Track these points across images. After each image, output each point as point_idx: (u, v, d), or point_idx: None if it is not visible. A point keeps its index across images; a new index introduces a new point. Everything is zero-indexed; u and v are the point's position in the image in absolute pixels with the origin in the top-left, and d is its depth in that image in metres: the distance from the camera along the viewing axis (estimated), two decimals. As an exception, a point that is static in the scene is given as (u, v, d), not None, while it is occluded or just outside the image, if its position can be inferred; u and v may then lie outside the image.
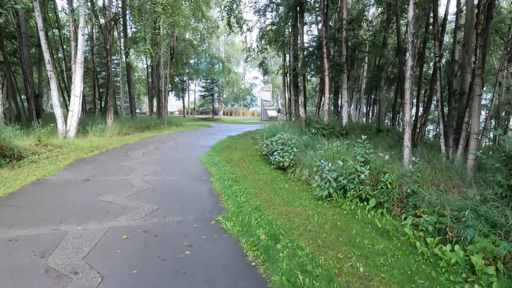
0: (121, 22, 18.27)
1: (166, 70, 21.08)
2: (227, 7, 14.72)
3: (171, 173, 6.59)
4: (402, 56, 11.81)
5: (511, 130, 16.08)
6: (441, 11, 11.89)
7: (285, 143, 8.00)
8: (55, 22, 18.37)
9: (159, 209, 4.36)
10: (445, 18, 9.85)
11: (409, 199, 4.81)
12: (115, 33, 19.28)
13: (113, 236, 3.47)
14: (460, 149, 7.60)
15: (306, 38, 15.03)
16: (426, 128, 16.94)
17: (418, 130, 11.02)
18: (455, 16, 10.36)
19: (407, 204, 4.87)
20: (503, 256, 3.15)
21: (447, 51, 15.17)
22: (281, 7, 14.63)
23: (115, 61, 23.68)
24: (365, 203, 5.01)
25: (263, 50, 16.09)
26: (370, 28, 17.20)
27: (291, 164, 7.35)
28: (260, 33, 15.82)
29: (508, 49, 12.63)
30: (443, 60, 12.46)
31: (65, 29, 19.46)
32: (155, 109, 23.85)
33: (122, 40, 18.35)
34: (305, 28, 15.63)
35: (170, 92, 35.30)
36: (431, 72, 19.98)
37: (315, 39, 15.18)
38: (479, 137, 7.51)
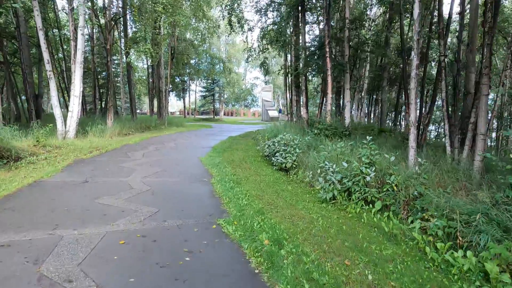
0: (122, 22, 18.15)
1: (166, 70, 20.98)
2: (228, 7, 14.59)
3: (171, 175, 6.46)
4: (405, 55, 11.66)
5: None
6: (445, 10, 11.73)
7: (287, 144, 7.86)
8: (55, 22, 18.28)
9: (158, 212, 4.23)
10: (449, 17, 9.69)
11: (416, 202, 4.67)
12: (116, 33, 19.18)
13: (110, 241, 3.33)
14: (466, 150, 7.44)
15: (307, 38, 14.91)
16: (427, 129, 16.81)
17: (421, 130, 10.86)
18: (458, 15, 10.24)
19: (413, 207, 4.73)
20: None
21: (448, 51, 15.02)
22: (282, 7, 14.50)
23: (116, 61, 23.59)
24: (370, 206, 4.87)
25: (264, 50, 15.96)
26: (372, 28, 17.05)
27: (294, 166, 7.21)
28: (261, 33, 15.69)
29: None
30: (446, 60, 12.29)
31: (65, 29, 19.38)
32: (155, 110, 23.73)
33: (123, 40, 18.23)
34: (307, 27, 15.49)
35: (170, 93, 35.24)
36: (434, 72, 19.85)
37: (316, 39, 15.05)
38: (486, 138, 7.36)
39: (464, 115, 9.56)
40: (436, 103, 13.74)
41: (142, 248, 3.20)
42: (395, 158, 5.48)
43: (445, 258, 3.30)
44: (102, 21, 17.60)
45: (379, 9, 18.20)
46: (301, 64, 13.64)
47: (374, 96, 21.41)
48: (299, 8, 13.05)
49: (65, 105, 20.11)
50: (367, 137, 5.56)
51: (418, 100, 12.89)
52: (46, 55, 10.53)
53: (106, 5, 15.67)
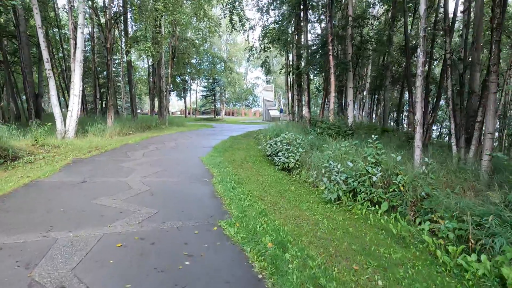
0: (122, 21, 18.03)
1: (167, 69, 20.84)
2: (230, 5, 14.45)
3: (171, 175, 6.31)
4: (409, 53, 11.49)
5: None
6: (449, 8, 11.56)
7: (289, 143, 7.70)
8: (55, 21, 18.18)
9: (157, 214, 4.08)
10: (454, 14, 9.53)
11: (424, 203, 4.51)
12: (116, 32, 19.06)
13: (106, 243, 3.19)
14: (472, 150, 7.29)
15: (309, 37, 14.75)
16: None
17: (426, 130, 10.70)
18: (462, 14, 10.08)
19: (421, 208, 4.57)
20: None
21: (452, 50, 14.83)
22: (284, 6, 14.35)
23: (117, 61, 23.49)
24: (376, 207, 4.71)
25: (266, 49, 15.81)
26: (375, 26, 16.88)
27: (297, 165, 7.05)
28: (263, 32, 15.54)
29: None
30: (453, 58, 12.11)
31: (66, 28, 19.28)
32: (156, 109, 23.62)
33: (123, 39, 18.11)
34: (308, 26, 15.33)
35: (171, 92, 35.14)
36: (435, 71, 19.64)
37: (318, 37, 14.90)
38: (494, 137, 7.21)
39: (469, 114, 9.40)
40: (440, 101, 13.56)
41: (140, 252, 3.05)
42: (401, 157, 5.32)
43: (458, 262, 3.14)
44: (103, 20, 17.49)
45: (381, 8, 18.04)
46: (303, 63, 13.48)
47: (376, 96, 21.24)
48: (301, 6, 12.90)
49: (65, 105, 19.98)
50: (373, 136, 5.39)
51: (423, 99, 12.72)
52: (45, 54, 10.41)
53: (106, 4, 15.55)
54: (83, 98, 19.14)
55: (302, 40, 13.84)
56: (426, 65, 11.84)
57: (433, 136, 23.41)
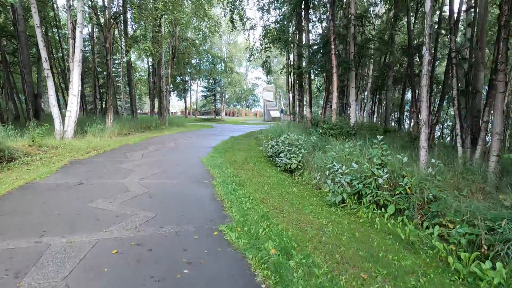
0: (122, 21, 17.90)
1: (167, 69, 20.70)
2: (230, 4, 14.31)
3: (171, 176, 6.16)
4: (412, 52, 11.33)
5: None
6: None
7: (291, 144, 7.54)
8: (54, 20, 18.06)
9: (155, 217, 3.92)
10: (458, 12, 9.37)
11: (431, 206, 4.35)
12: (116, 32, 18.93)
13: (101, 250, 3.03)
14: (478, 150, 7.12)
15: (310, 36, 14.59)
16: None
17: (430, 130, 10.53)
18: (464, 13, 9.92)
19: (428, 211, 4.41)
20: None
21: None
22: (285, 5, 14.20)
23: (116, 61, 23.36)
24: (382, 210, 4.55)
25: (267, 49, 15.66)
26: (377, 25, 16.72)
27: (299, 167, 6.89)
28: (264, 31, 15.40)
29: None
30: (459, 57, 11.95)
31: (65, 28, 19.13)
32: (156, 110, 23.48)
33: (123, 39, 17.98)
34: (310, 25, 15.18)
35: (171, 93, 34.99)
36: (438, 70, 19.44)
37: (319, 37, 14.74)
38: (502, 137, 7.03)
39: (473, 114, 9.23)
40: (444, 101, 13.35)
41: (137, 259, 2.90)
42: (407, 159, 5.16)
43: (472, 270, 2.98)
44: (102, 19, 17.36)
45: (383, 7, 17.88)
46: (304, 63, 13.33)
47: (377, 96, 21.07)
48: (302, 5, 12.75)
49: (65, 105, 19.85)
50: (378, 136, 5.23)
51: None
52: (43, 53, 10.27)
53: (106, 4, 15.43)
54: (82, 98, 19.01)
55: (303, 39, 13.69)
56: (431, 64, 11.68)
57: (434, 136, 23.22)
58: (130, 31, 19.50)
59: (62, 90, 20.22)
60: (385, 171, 4.76)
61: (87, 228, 3.50)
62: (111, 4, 15.84)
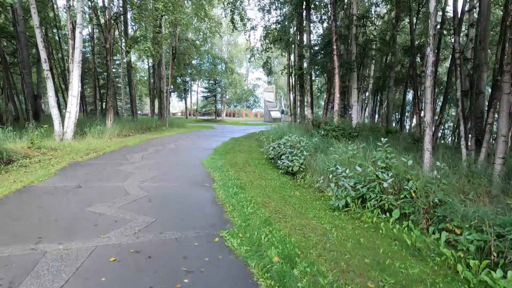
0: (122, 21, 17.83)
1: (168, 70, 20.63)
2: (231, 4, 14.22)
3: (171, 179, 6.06)
4: (415, 53, 11.23)
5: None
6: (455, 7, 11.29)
7: (293, 146, 7.44)
8: (54, 21, 17.99)
9: (155, 223, 3.83)
10: (462, 12, 9.26)
11: (437, 210, 4.24)
12: (116, 32, 18.86)
13: (99, 257, 2.93)
14: (483, 152, 7.01)
15: (311, 37, 14.50)
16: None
17: (433, 132, 10.42)
18: (467, 14, 9.81)
19: (434, 216, 4.31)
20: None
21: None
22: (286, 5, 14.11)
23: (117, 62, 23.29)
24: (387, 214, 4.45)
25: (267, 50, 15.57)
26: (378, 26, 16.62)
27: (301, 169, 6.79)
28: (264, 32, 15.31)
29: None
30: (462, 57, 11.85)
31: (65, 29, 19.08)
32: (156, 111, 23.40)
33: (123, 39, 17.91)
34: (311, 26, 15.09)
35: (172, 93, 34.88)
36: (440, 71, 19.32)
37: (320, 37, 14.66)
38: (507, 140, 6.93)
39: (476, 116, 9.12)
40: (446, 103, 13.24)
41: (135, 267, 2.80)
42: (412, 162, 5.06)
43: (482, 279, 2.88)
44: (102, 20, 17.29)
45: (385, 8, 17.79)
46: (305, 63, 13.24)
47: (379, 97, 20.97)
48: (304, 6, 12.66)
49: (65, 106, 19.79)
50: (382, 139, 5.13)
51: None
52: (43, 54, 10.19)
53: (106, 4, 15.35)
54: (82, 99, 18.94)
55: (305, 40, 13.60)
56: (435, 65, 11.60)
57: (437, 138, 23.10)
58: (130, 31, 19.45)
59: (62, 91, 20.15)
60: (389, 175, 4.66)
61: (85, 234, 3.40)
62: (111, 5, 15.76)
